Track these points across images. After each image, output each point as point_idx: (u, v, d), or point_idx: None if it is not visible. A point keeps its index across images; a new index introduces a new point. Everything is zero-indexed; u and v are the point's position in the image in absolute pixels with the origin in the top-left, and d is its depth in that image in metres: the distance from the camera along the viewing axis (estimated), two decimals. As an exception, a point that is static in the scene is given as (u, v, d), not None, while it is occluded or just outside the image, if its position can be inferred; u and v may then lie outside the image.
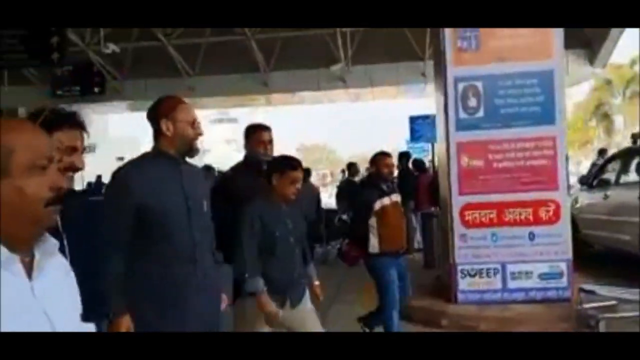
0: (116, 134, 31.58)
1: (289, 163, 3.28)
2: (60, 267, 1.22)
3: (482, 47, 4.96)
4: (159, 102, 2.48)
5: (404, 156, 7.86)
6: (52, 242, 1.17)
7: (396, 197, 4.49)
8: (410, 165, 8.91)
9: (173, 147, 2.41)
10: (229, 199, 3.28)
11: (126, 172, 2.42)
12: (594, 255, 7.69)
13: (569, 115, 35.38)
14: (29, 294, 1.07)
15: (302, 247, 3.33)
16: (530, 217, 4.97)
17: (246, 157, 3.54)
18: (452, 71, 5.00)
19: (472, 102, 4.99)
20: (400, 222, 4.53)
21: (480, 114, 4.99)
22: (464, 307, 4.98)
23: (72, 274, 1.27)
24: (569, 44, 13.58)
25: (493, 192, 5.00)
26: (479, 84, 4.97)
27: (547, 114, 4.93)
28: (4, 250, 1.03)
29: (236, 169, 3.70)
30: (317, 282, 3.48)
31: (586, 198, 8.11)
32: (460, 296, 5.05)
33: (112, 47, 10.89)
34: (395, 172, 4.71)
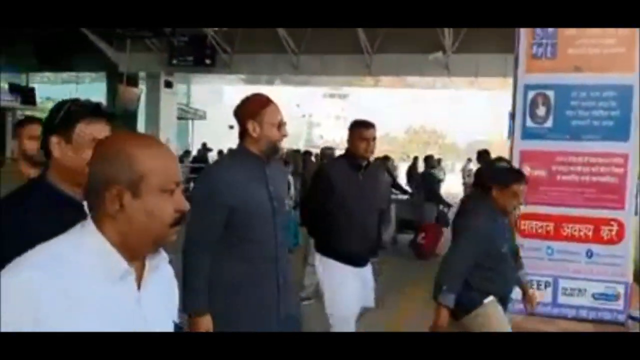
0: (229, 103, 32.98)
1: (515, 176, 3.19)
2: (165, 276, 1.31)
3: (558, 55, 4.80)
4: (247, 102, 2.49)
5: (483, 154, 7.71)
6: (164, 256, 1.25)
7: None
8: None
9: (258, 148, 2.45)
10: (324, 188, 3.46)
11: (216, 173, 2.50)
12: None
13: None
14: (136, 304, 1.16)
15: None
16: (590, 235, 4.81)
17: (347, 150, 3.62)
18: (523, 78, 4.90)
19: (541, 110, 4.87)
20: None
21: (549, 124, 4.86)
22: (509, 316, 4.95)
23: (175, 282, 1.38)
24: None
25: (553, 204, 4.88)
26: (551, 93, 4.83)
27: (621, 130, 4.71)
28: (125, 263, 1.13)
29: (337, 160, 3.88)
30: (531, 291, 3.58)
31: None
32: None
33: (218, 25, 11.52)
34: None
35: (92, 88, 16.39)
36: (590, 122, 4.78)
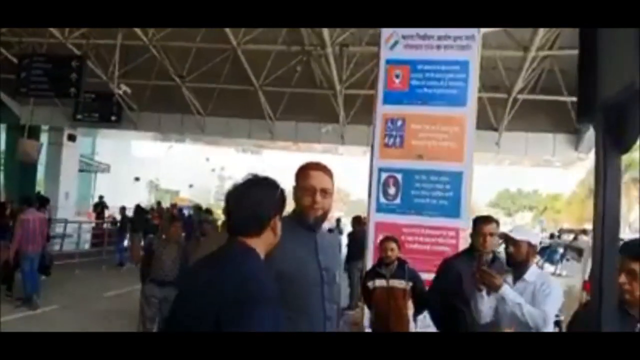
0: (137, 155, 32.77)
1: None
2: None
3: (405, 145, 5.82)
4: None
5: (356, 220, 8.68)
6: None
7: (396, 283, 4.66)
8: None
9: (298, 215, 2.34)
10: (449, 285, 3.68)
11: None
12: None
13: (569, 190, 36.15)
14: None
15: None
16: (431, 295, 5.72)
17: (472, 245, 3.85)
18: (377, 162, 5.86)
19: (392, 190, 5.82)
20: (386, 310, 4.64)
21: (398, 200, 5.82)
22: None
23: None
24: (559, 129, 14.54)
25: (402, 269, 5.77)
26: (399, 176, 5.81)
27: (453, 208, 5.73)
28: None
29: (460, 257, 4.10)
30: None
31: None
32: None
33: (124, 88, 12.03)
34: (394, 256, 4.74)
35: (-8, 139, 16.23)
36: (429, 200, 5.77)
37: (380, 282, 4.72)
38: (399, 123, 5.81)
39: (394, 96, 5.86)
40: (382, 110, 5.88)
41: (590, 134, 14.12)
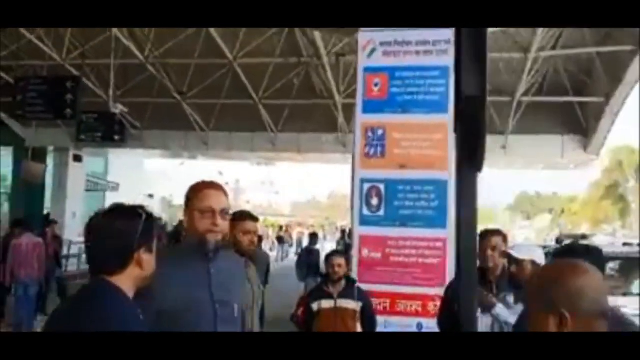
0: (149, 171, 32.86)
1: None
2: None
3: (386, 154, 5.62)
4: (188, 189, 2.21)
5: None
6: None
7: (344, 303, 4.37)
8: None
9: (192, 240, 2.13)
10: (451, 304, 3.43)
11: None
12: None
13: (584, 192, 35.55)
14: None
15: None
16: (419, 309, 5.49)
17: (480, 268, 3.53)
18: (359, 173, 5.67)
19: (375, 201, 5.62)
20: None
21: (381, 212, 5.61)
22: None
23: None
24: (566, 131, 14.20)
25: (388, 283, 5.55)
26: (382, 186, 5.61)
27: (439, 218, 5.50)
28: None
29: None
30: None
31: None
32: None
33: (120, 107, 11.99)
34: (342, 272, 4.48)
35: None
36: (414, 211, 5.56)
37: (327, 303, 4.44)
38: (380, 132, 5.62)
39: (374, 105, 5.68)
40: (362, 119, 5.70)
41: (598, 136, 13.83)
